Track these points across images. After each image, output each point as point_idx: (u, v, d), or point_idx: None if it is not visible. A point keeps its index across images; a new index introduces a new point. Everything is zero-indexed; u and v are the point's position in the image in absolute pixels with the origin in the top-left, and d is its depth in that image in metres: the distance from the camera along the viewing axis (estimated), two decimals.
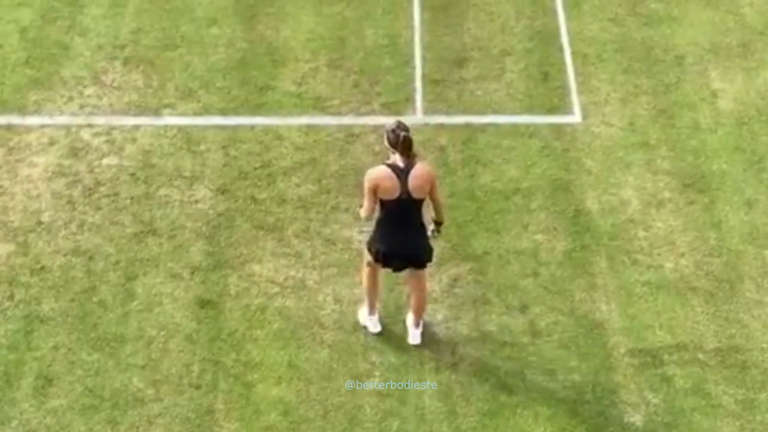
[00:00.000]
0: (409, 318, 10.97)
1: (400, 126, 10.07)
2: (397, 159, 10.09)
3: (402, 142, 9.99)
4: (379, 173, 10.09)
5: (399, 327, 11.06)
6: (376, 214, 10.32)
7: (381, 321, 11.02)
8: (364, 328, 11.00)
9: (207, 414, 10.41)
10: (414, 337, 10.92)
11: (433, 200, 10.37)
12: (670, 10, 14.69)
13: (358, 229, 11.66)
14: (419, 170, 10.10)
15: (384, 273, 10.89)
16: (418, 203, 10.22)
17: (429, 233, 10.53)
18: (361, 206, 10.38)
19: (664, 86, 13.63)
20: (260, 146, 12.89)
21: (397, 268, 10.62)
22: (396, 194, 10.07)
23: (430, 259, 10.61)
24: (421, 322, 10.95)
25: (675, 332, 11.06)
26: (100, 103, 13.40)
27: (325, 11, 14.65)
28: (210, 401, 10.50)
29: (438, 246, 11.68)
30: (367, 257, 10.60)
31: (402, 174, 10.05)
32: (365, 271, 10.77)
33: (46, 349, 10.88)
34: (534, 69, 13.88)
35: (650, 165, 12.68)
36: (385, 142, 10.15)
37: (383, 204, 10.20)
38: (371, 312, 10.97)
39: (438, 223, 10.58)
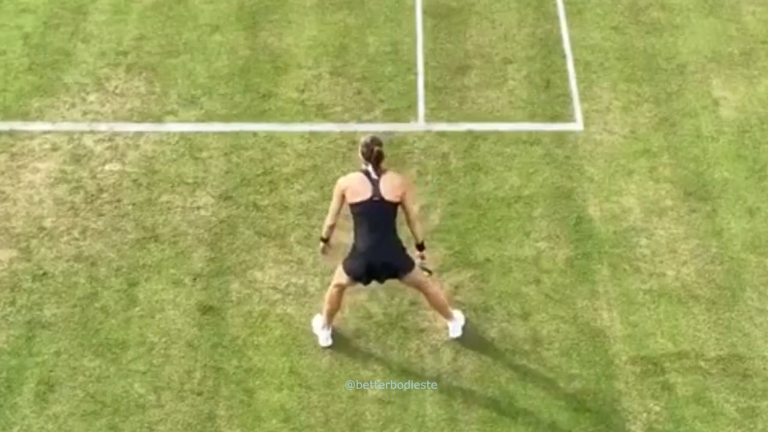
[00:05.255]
0: (440, 318, 11.00)
1: (375, 141, 10.32)
2: (369, 169, 10.33)
3: (375, 156, 10.26)
4: (350, 177, 10.41)
5: (400, 334, 11.07)
6: (351, 232, 10.37)
7: (334, 336, 10.91)
8: (321, 337, 10.91)
9: (208, 420, 10.41)
10: (453, 330, 10.94)
11: (406, 210, 10.35)
12: (672, 19, 14.70)
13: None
14: (390, 175, 10.38)
15: (350, 291, 10.79)
16: (390, 206, 10.28)
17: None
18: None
19: (666, 94, 13.64)
20: (262, 153, 12.90)
21: (379, 280, 10.54)
22: (368, 195, 10.23)
23: (407, 267, 10.48)
24: (456, 314, 10.95)
25: (676, 340, 11.06)
26: (103, 109, 13.42)
27: (328, 18, 14.67)
28: (211, 407, 10.50)
29: (440, 253, 11.70)
30: (341, 278, 10.51)
31: (374, 180, 10.28)
32: (332, 291, 10.66)
33: (48, 355, 10.89)
34: (536, 77, 13.89)
35: (652, 173, 12.69)
36: (359, 154, 10.40)
37: (355, 210, 10.30)
38: (326, 326, 10.92)
39: (420, 247, 10.54)
